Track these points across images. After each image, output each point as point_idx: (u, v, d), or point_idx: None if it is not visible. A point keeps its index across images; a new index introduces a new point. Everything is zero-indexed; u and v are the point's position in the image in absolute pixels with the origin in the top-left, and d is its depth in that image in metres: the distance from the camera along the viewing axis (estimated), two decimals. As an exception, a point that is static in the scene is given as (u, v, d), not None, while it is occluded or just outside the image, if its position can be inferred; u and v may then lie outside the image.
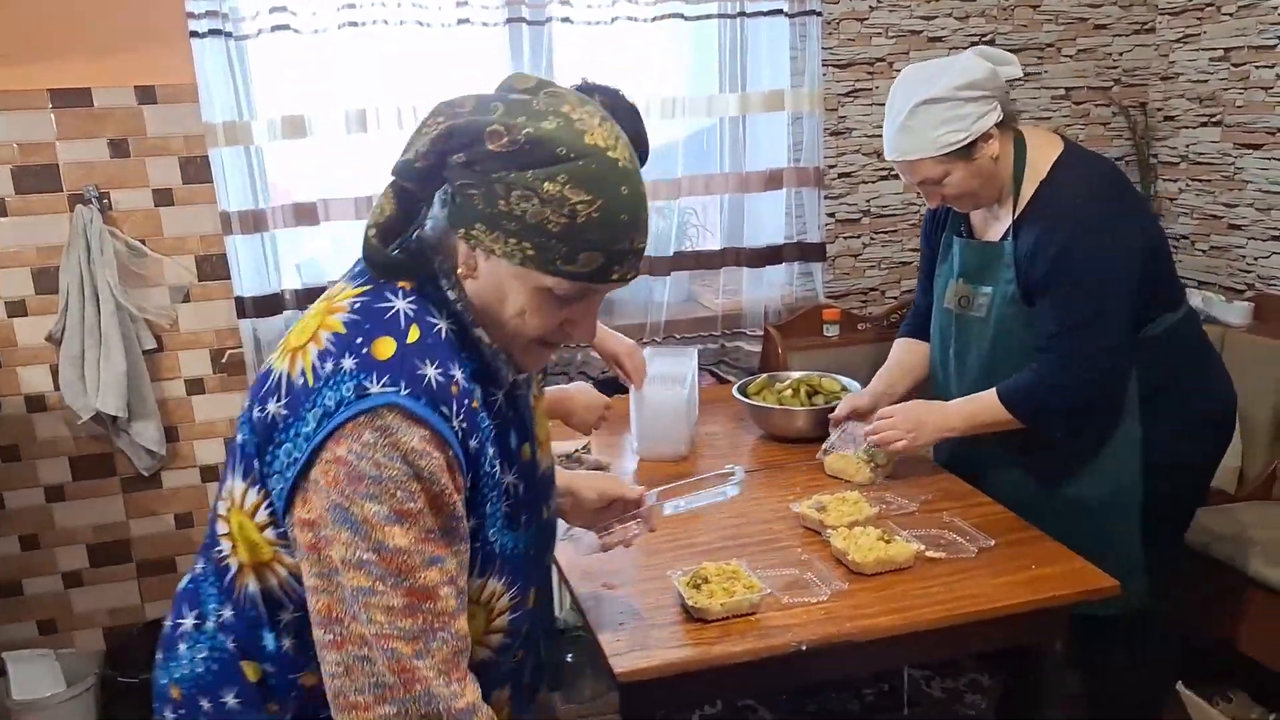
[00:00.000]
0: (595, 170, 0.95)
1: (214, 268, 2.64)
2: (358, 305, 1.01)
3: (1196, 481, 1.97)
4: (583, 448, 2.27)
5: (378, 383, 0.95)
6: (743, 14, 2.78)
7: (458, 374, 1.00)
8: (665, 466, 2.18)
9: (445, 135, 0.96)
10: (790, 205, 2.99)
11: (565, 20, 2.66)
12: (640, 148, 1.85)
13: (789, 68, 2.88)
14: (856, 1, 3.01)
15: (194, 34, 2.41)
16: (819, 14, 2.86)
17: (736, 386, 2.37)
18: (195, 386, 2.72)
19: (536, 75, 1.03)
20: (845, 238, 3.17)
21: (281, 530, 1.00)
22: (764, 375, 2.45)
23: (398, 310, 1.01)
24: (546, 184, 0.94)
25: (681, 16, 2.73)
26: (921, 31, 3.09)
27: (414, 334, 1.00)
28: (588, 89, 1.84)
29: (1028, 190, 1.85)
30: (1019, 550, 1.70)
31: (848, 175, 3.12)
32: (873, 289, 3.24)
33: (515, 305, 1.01)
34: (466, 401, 1.00)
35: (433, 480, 0.95)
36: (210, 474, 2.76)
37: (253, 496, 1.02)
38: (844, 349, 2.96)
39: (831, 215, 3.12)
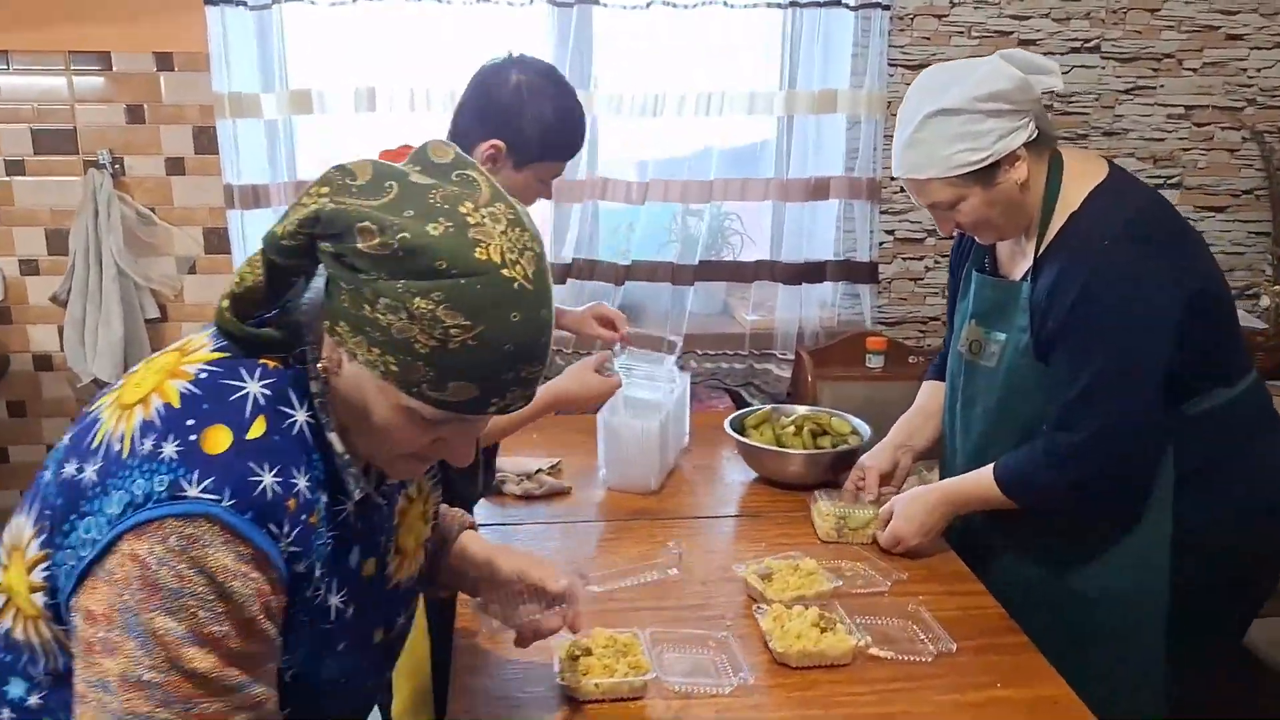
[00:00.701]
0: (480, 292, 0.80)
1: (221, 241, 2.58)
2: (204, 376, 0.87)
3: (1242, 590, 1.60)
4: (551, 467, 2.07)
5: (197, 485, 0.81)
6: (795, 4, 2.51)
7: (301, 483, 0.86)
8: (633, 499, 1.96)
9: (313, 220, 0.83)
10: (840, 218, 2.70)
11: (597, 3, 2.46)
12: (572, 129, 1.64)
13: (849, 66, 2.59)
14: (936, -5, 2.68)
15: (208, 1, 2.33)
16: (886, 7, 2.56)
17: (731, 418, 2.11)
18: (198, 360, 2.68)
19: (455, 149, 0.89)
20: (905, 259, 2.85)
21: (54, 603, 0.87)
22: (767, 407, 2.19)
23: (247, 394, 0.87)
24: (418, 299, 0.80)
25: (724, 4, 2.48)
26: (1012, 33, 2.73)
27: (258, 428, 0.85)
28: (516, 61, 1.64)
29: (1057, 223, 1.53)
30: (988, 660, 1.39)
31: (912, 190, 2.79)
32: (933, 318, 2.90)
33: (379, 417, 0.88)
34: (305, 517, 0.87)
35: (243, 605, 0.82)
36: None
37: (34, 550, 0.88)
38: (886, 383, 2.64)
39: (890, 233, 2.81)
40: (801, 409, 2.18)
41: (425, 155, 0.88)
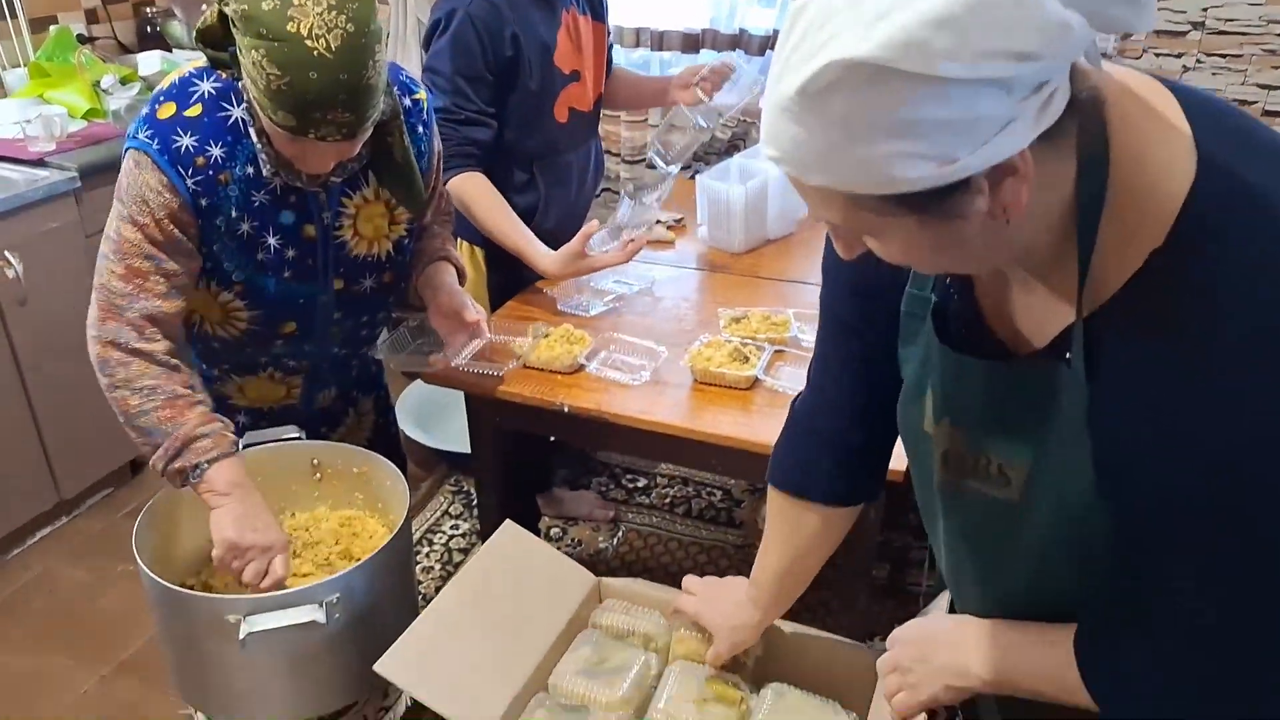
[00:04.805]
0: (288, 53, 1.13)
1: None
2: (187, 75, 1.33)
3: None
4: (675, 220, 2.35)
5: (143, 132, 1.30)
6: None
7: (215, 151, 1.30)
8: (719, 255, 2.21)
9: None
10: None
11: None
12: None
13: None
14: None
15: None
16: None
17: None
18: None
19: None
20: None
21: None
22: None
23: (200, 91, 1.31)
24: (252, 51, 1.16)
25: None
26: None
27: (194, 110, 1.30)
28: None
29: (1124, 253, 0.70)
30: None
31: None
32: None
33: (262, 127, 1.28)
34: (210, 173, 1.30)
35: (155, 210, 1.30)
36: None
37: None
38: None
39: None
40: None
41: None
